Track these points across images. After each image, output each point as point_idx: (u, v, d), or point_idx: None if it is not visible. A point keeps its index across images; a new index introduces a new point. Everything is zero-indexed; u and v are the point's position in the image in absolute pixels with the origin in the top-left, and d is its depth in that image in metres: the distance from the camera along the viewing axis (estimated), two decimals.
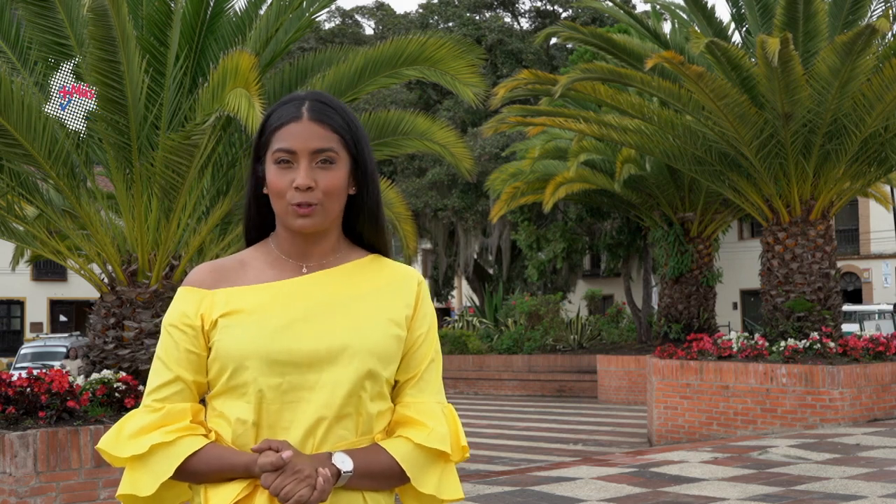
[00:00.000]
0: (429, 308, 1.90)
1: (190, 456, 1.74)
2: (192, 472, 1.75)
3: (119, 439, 1.77)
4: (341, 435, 1.76)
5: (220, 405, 1.79)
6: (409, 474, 1.78)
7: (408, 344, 1.85)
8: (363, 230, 1.90)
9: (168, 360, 1.80)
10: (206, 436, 1.78)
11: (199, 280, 1.85)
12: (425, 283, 1.91)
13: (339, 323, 1.79)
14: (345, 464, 1.72)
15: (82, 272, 8.99)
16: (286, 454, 1.66)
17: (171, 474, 1.74)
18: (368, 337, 1.79)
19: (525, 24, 36.92)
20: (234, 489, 1.73)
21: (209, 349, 1.80)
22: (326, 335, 1.77)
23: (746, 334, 13.07)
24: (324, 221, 1.80)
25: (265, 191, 1.84)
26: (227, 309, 1.79)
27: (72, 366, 16.79)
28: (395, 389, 1.86)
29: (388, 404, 1.84)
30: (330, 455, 1.73)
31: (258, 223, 1.91)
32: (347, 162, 1.82)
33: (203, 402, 1.85)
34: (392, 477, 1.79)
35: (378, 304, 1.84)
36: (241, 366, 1.75)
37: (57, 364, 16.91)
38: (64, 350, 21.52)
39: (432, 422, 1.82)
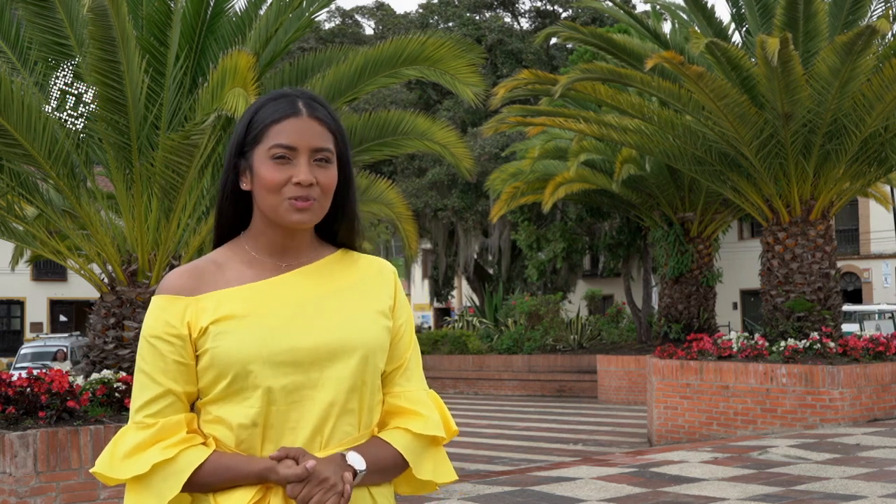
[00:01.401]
0: (404, 297, 1.92)
1: (195, 469, 1.70)
2: (199, 485, 1.71)
3: (114, 460, 1.71)
4: (346, 431, 1.76)
5: (218, 410, 1.74)
6: (410, 463, 1.80)
7: (392, 333, 1.86)
8: (340, 228, 1.88)
9: (154, 374, 1.74)
10: (205, 444, 1.74)
11: (178, 287, 1.78)
12: (396, 273, 1.93)
13: (332, 318, 1.78)
14: (359, 463, 1.73)
15: (82, 272, 8.99)
16: (310, 465, 1.65)
17: (177, 492, 1.69)
18: (365, 330, 1.79)
19: (525, 24, 36.91)
20: (246, 496, 1.70)
21: (197, 357, 1.75)
22: (323, 332, 1.76)
23: (746, 334, 13.07)
24: (318, 217, 1.79)
25: (244, 186, 1.80)
26: (217, 315, 1.74)
27: (60, 368, 16.71)
28: (383, 379, 1.86)
29: (381, 395, 1.85)
30: (343, 455, 1.72)
31: (234, 221, 1.86)
32: (336, 161, 1.82)
33: (191, 407, 1.80)
34: (396, 468, 1.81)
35: (363, 297, 1.84)
36: (244, 370, 1.71)
37: (54, 366, 16.89)
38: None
39: (425, 410, 1.84)
